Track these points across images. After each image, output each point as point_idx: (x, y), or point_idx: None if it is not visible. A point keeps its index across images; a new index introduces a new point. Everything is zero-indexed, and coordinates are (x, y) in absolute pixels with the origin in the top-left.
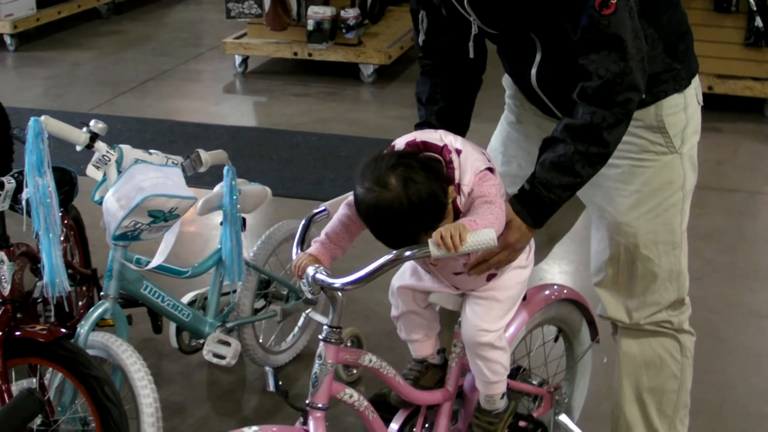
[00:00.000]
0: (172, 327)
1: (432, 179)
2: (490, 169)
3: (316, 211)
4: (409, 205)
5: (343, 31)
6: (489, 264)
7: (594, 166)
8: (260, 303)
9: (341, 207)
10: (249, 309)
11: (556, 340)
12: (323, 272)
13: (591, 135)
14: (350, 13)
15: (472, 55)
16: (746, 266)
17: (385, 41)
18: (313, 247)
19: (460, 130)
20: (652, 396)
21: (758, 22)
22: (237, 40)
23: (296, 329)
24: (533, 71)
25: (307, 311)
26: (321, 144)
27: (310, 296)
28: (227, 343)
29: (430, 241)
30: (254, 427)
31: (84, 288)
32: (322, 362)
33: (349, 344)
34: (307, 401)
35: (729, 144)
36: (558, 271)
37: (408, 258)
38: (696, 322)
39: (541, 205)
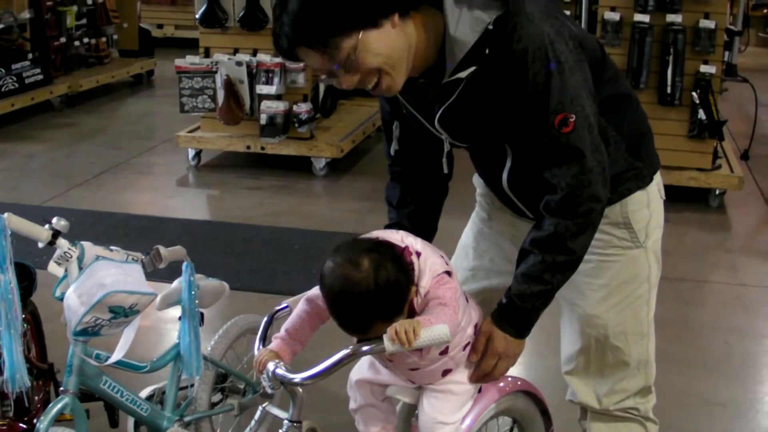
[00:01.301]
0: (130, 421)
1: (401, 273)
2: (448, 273)
3: (278, 308)
4: (375, 289)
5: (296, 125)
6: (493, 375)
7: (564, 272)
8: (217, 397)
9: (300, 303)
10: (206, 403)
11: (511, 430)
12: (283, 368)
13: (556, 245)
14: (303, 108)
15: (446, 171)
16: (694, 355)
17: (337, 135)
18: (274, 343)
19: (429, 231)
20: None
21: (701, 114)
22: (190, 133)
23: (253, 423)
24: (504, 175)
25: (263, 405)
26: (274, 237)
27: (270, 391)
28: None
29: (385, 336)
30: None
31: (40, 382)
32: None
33: None
34: None
35: (675, 234)
36: None
37: (364, 353)
38: None
39: (519, 315)
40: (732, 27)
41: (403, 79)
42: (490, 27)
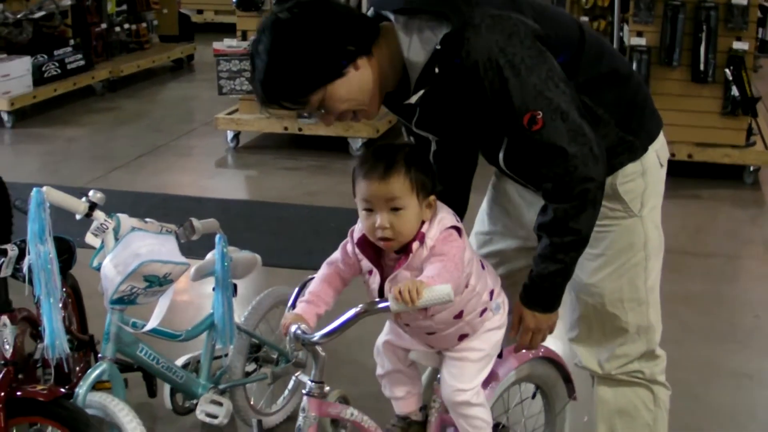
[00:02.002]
0: (167, 388)
1: (431, 178)
2: (458, 230)
3: (309, 277)
4: (408, 155)
5: None
6: (532, 345)
7: (577, 250)
8: (251, 366)
9: (322, 266)
10: (240, 372)
11: (533, 397)
12: (302, 329)
13: (560, 228)
14: None
15: (436, 169)
16: (724, 328)
17: None
18: (299, 307)
19: (460, 209)
20: None
21: (734, 91)
22: (229, 115)
23: (286, 392)
24: (501, 155)
25: (296, 374)
26: (311, 216)
27: (293, 353)
28: (219, 403)
29: (390, 296)
30: None
31: (81, 353)
32: (306, 415)
33: None
34: None
35: (708, 210)
36: None
37: (372, 311)
38: (673, 382)
39: (542, 293)
40: (765, 3)
41: (378, 105)
42: (438, 47)
